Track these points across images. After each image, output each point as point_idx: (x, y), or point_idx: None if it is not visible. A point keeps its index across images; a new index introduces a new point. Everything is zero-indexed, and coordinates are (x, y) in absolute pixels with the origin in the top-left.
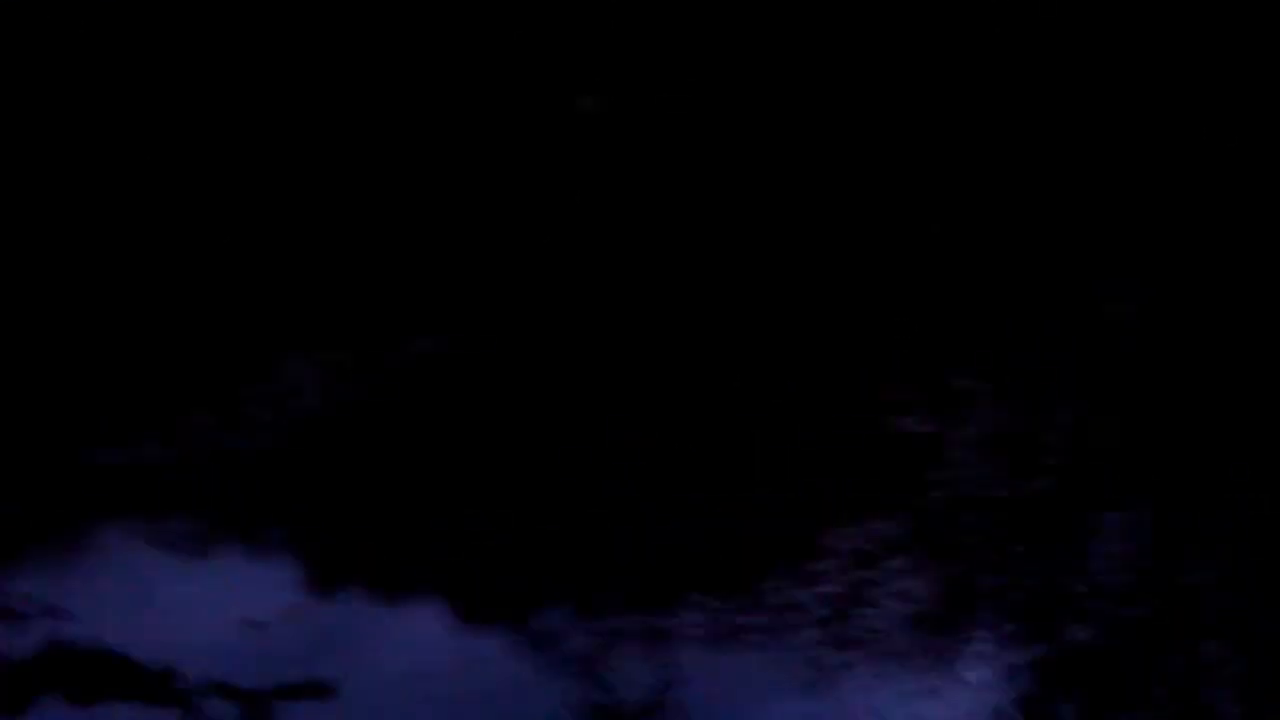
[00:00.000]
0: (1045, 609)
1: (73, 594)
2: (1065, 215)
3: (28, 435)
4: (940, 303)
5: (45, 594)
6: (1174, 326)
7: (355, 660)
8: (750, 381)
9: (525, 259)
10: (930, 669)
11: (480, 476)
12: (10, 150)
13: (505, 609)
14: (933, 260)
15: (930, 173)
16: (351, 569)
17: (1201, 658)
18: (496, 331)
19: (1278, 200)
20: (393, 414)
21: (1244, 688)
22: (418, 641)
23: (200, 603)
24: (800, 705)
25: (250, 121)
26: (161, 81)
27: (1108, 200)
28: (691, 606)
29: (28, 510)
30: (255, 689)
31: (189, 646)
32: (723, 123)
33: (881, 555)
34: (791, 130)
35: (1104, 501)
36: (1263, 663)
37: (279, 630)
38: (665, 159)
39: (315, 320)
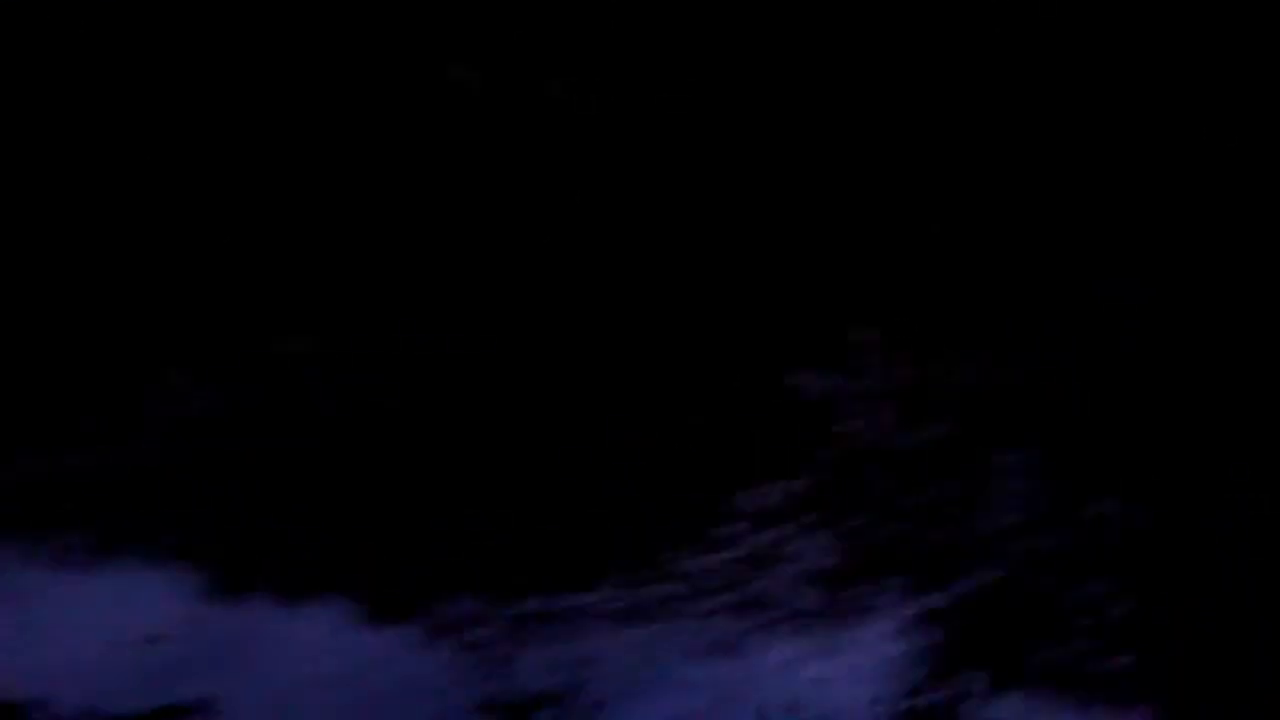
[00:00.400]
0: (947, 559)
1: None
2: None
3: None
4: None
5: None
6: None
7: (247, 672)
8: (643, 343)
9: (403, 248)
10: (838, 625)
11: (365, 470)
12: None
13: (401, 605)
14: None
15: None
16: (238, 576)
17: (1101, 601)
18: (374, 326)
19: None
20: (269, 413)
21: (1141, 627)
22: (312, 647)
23: (77, 623)
24: (710, 673)
25: (111, 127)
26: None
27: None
28: (593, 584)
29: None
30: (135, 712)
31: (64, 671)
32: (633, 105)
33: (783, 514)
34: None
35: (1002, 449)
36: (1158, 604)
37: (163, 647)
38: (549, 139)
39: (193, 324)
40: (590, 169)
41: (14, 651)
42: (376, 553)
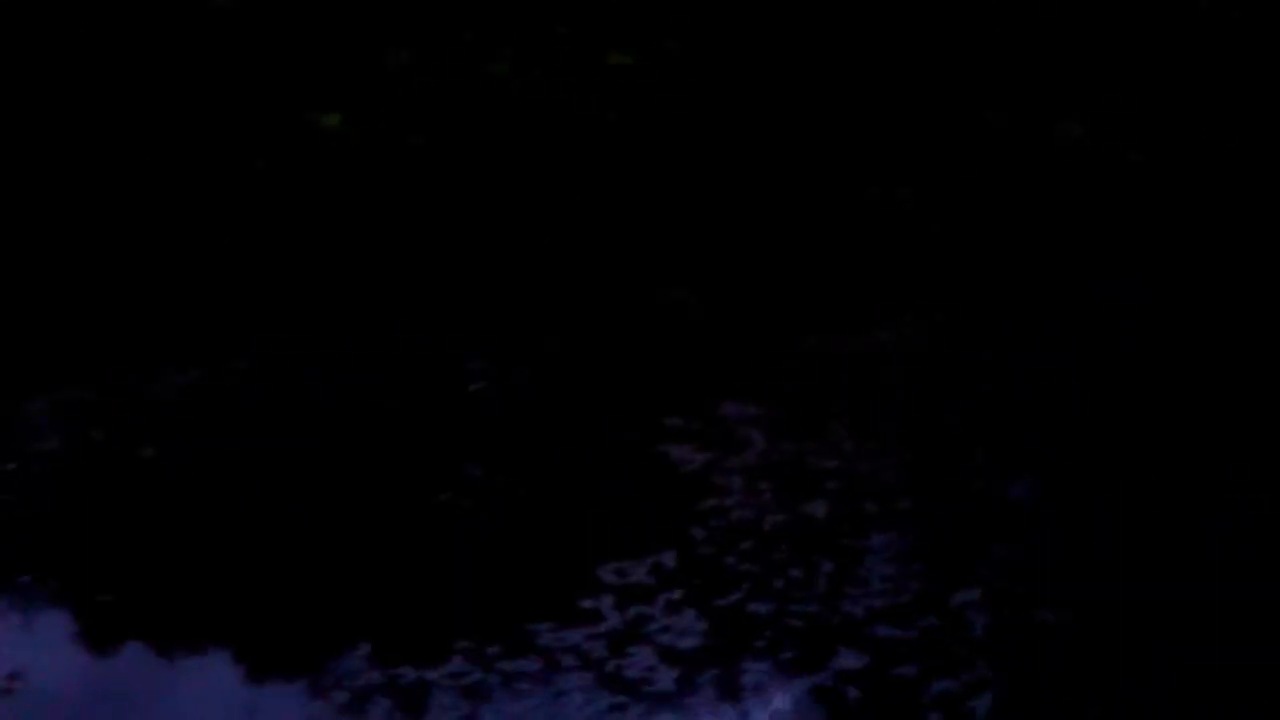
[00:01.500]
0: (818, 636)
1: None
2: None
3: None
4: (716, 332)
5: None
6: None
7: None
8: (517, 407)
9: (273, 286)
10: (705, 703)
11: (241, 522)
12: None
13: (260, 670)
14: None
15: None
16: (119, 626)
17: (972, 678)
18: (248, 362)
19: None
20: (148, 455)
21: (1012, 705)
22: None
23: None
24: None
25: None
26: None
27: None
28: (456, 655)
29: None
30: None
31: None
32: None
33: (655, 589)
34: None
35: (875, 526)
36: (1030, 680)
37: (39, 693)
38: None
39: (56, 357)
40: None
41: None
42: (246, 612)
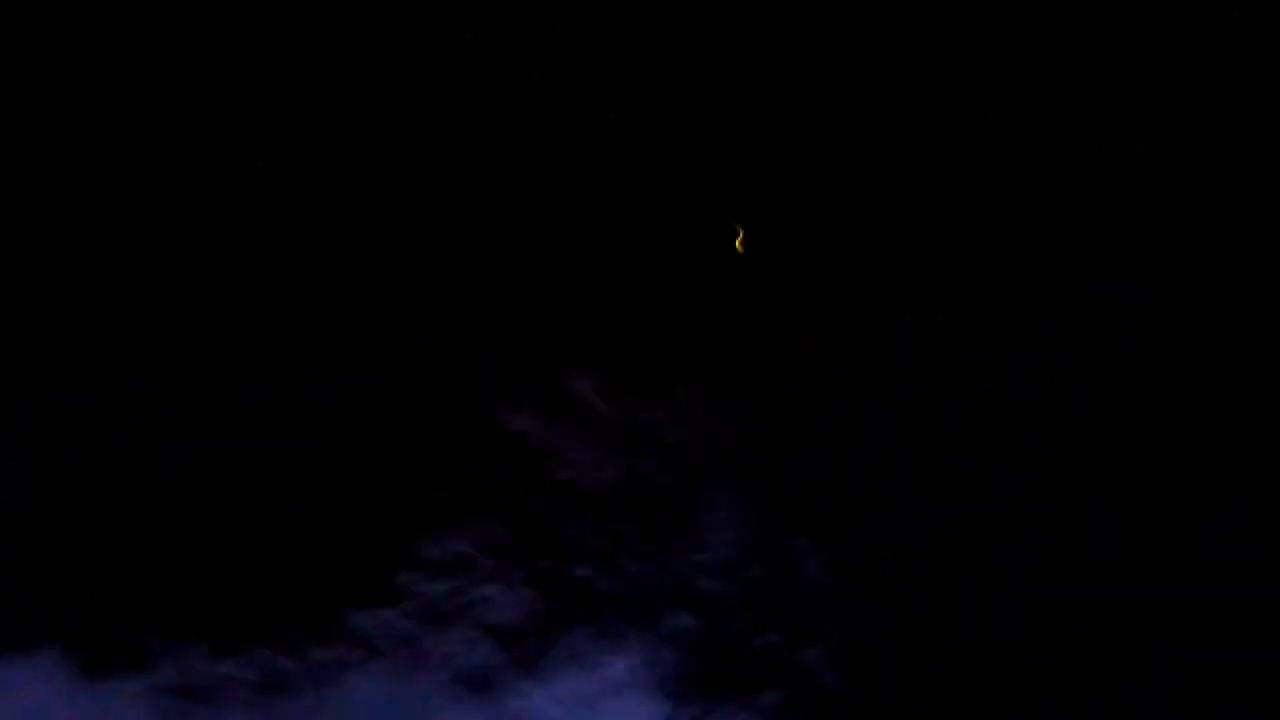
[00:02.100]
0: (651, 600)
1: None
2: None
3: None
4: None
5: None
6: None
7: None
8: (336, 370)
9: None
10: (526, 678)
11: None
12: None
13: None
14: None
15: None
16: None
17: (805, 635)
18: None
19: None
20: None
21: (844, 660)
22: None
23: None
24: None
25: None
26: None
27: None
28: (239, 652)
29: None
30: None
31: None
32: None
33: (474, 562)
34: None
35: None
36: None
37: None
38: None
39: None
40: None
41: None
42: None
